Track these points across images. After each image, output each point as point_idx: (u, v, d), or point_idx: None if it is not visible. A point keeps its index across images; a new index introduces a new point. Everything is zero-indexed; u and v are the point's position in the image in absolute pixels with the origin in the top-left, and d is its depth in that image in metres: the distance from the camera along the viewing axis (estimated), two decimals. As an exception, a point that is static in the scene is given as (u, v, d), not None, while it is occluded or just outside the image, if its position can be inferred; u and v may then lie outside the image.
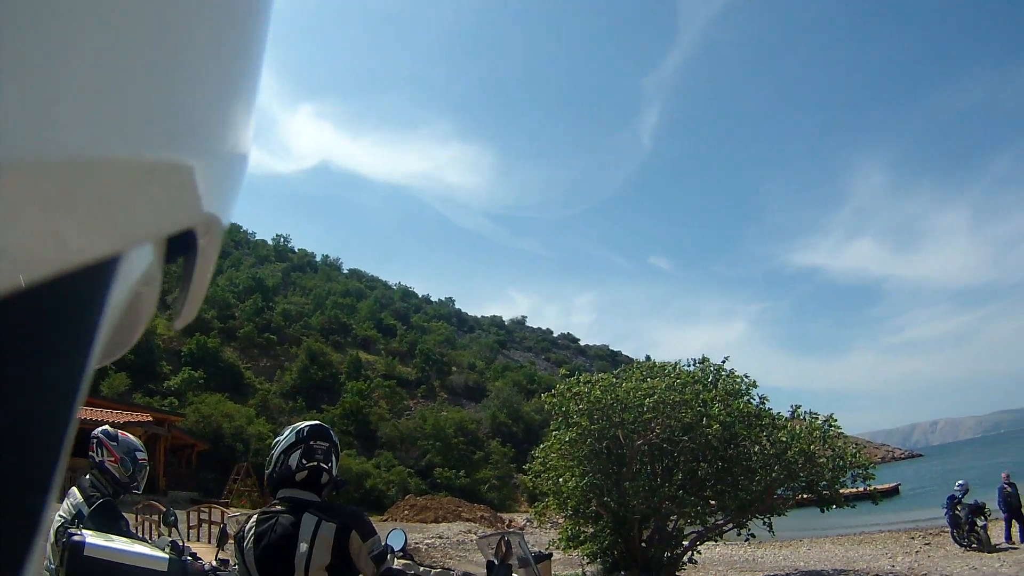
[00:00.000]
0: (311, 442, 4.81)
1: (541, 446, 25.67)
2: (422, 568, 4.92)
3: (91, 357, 0.60)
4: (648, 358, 50.33)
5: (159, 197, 0.57)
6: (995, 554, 24.28)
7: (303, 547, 4.65)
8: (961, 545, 26.56)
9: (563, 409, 23.33)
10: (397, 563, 4.82)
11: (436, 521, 44.85)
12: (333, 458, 4.91)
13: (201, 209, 0.67)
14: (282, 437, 4.89)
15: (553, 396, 24.19)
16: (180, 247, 0.74)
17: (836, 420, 24.16)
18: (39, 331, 0.53)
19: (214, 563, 6.77)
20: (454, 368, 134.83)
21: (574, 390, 23.44)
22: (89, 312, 0.59)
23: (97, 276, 0.58)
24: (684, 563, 23.40)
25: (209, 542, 27.80)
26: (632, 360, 47.62)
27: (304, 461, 4.79)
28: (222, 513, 28.98)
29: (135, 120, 0.51)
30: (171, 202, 0.60)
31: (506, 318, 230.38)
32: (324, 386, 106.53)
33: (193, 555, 6.51)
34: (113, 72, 0.47)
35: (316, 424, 5.02)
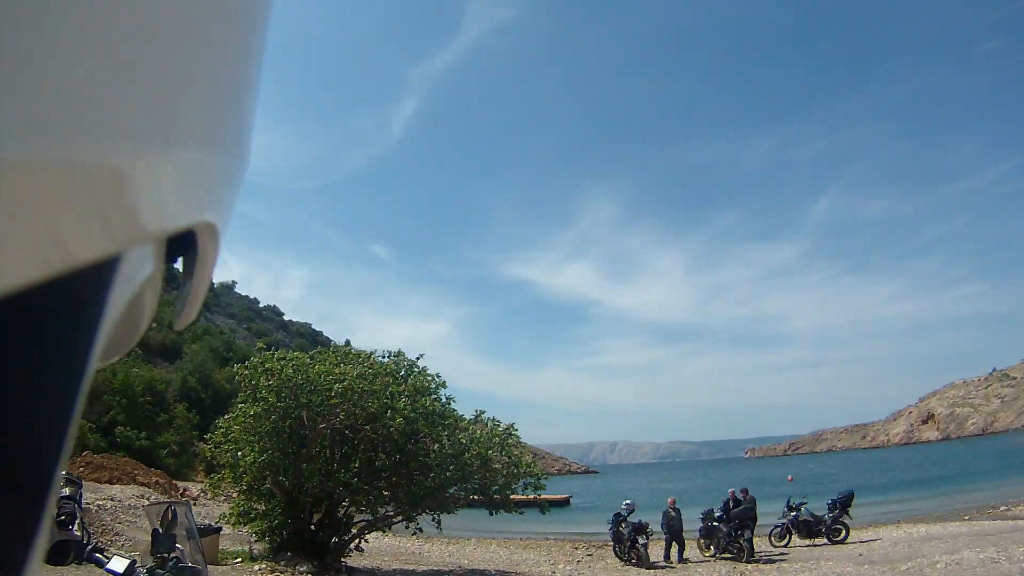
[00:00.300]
0: None
1: (226, 417, 25.14)
2: None
3: (91, 357, 0.60)
4: (348, 343, 50.13)
5: (159, 197, 0.58)
6: (652, 571, 25.65)
7: None
8: (621, 560, 27.83)
9: (253, 383, 22.88)
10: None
11: (111, 482, 43.09)
12: None
13: (201, 209, 0.69)
14: None
15: (246, 368, 23.68)
16: (180, 247, 0.76)
17: (516, 430, 24.91)
18: (39, 331, 0.53)
19: None
20: (152, 324, 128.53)
21: (267, 365, 23.01)
22: (89, 312, 0.59)
23: (97, 276, 0.58)
24: (351, 550, 23.48)
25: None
26: (331, 342, 47.23)
27: None
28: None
29: (135, 120, 0.51)
30: (171, 202, 0.61)
31: (215, 281, 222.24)
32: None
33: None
34: (113, 72, 0.47)
35: None
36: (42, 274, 0.45)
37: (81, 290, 0.56)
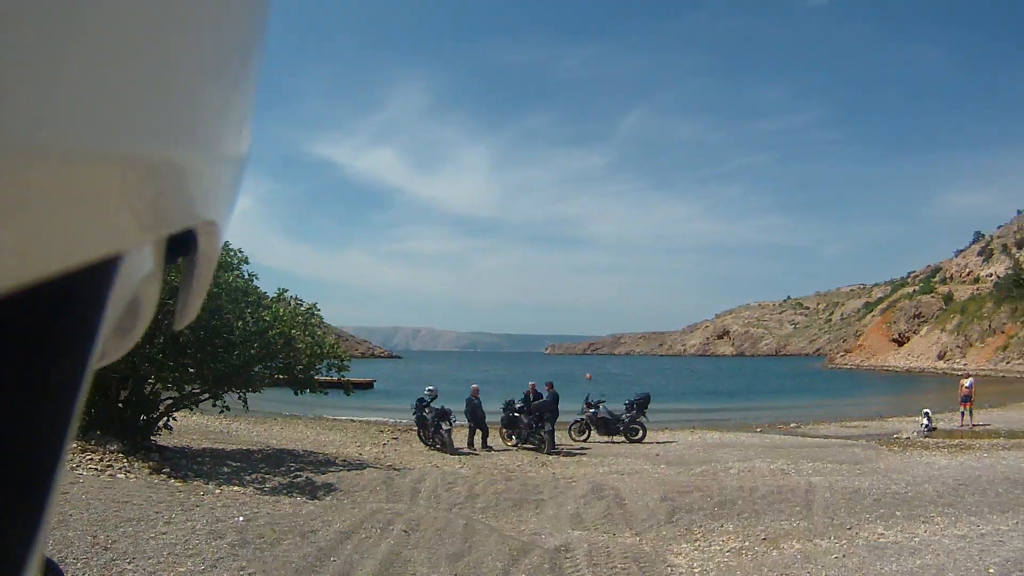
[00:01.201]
0: None
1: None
2: None
3: (91, 357, 0.60)
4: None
5: (159, 197, 0.57)
6: (456, 456, 25.77)
7: None
8: (426, 444, 28.12)
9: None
10: None
11: None
12: None
13: (201, 209, 0.67)
14: None
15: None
16: (180, 247, 0.76)
17: (320, 310, 24.86)
18: (39, 331, 0.53)
19: None
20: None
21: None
22: (89, 312, 0.59)
23: (97, 276, 0.59)
24: (160, 428, 22.97)
25: None
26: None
27: None
28: None
29: (135, 120, 0.50)
30: (171, 202, 0.60)
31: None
32: None
33: None
34: (113, 72, 0.46)
35: None
36: (42, 274, 0.44)
37: (81, 290, 0.57)
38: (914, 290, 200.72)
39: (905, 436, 33.22)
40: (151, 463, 18.61)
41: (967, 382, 38.22)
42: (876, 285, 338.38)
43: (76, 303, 0.55)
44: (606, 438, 30.92)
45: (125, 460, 18.19)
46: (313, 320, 24.21)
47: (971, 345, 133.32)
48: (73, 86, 0.42)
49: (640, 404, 31.44)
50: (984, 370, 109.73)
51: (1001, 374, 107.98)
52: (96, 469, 16.74)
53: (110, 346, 0.70)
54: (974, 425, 36.84)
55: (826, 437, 33.23)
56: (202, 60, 0.57)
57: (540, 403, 28.56)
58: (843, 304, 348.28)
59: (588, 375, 51.97)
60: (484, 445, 28.64)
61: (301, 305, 24.51)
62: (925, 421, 34.74)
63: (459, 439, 28.50)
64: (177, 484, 16.74)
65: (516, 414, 28.88)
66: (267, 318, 22.45)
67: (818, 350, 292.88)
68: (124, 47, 0.46)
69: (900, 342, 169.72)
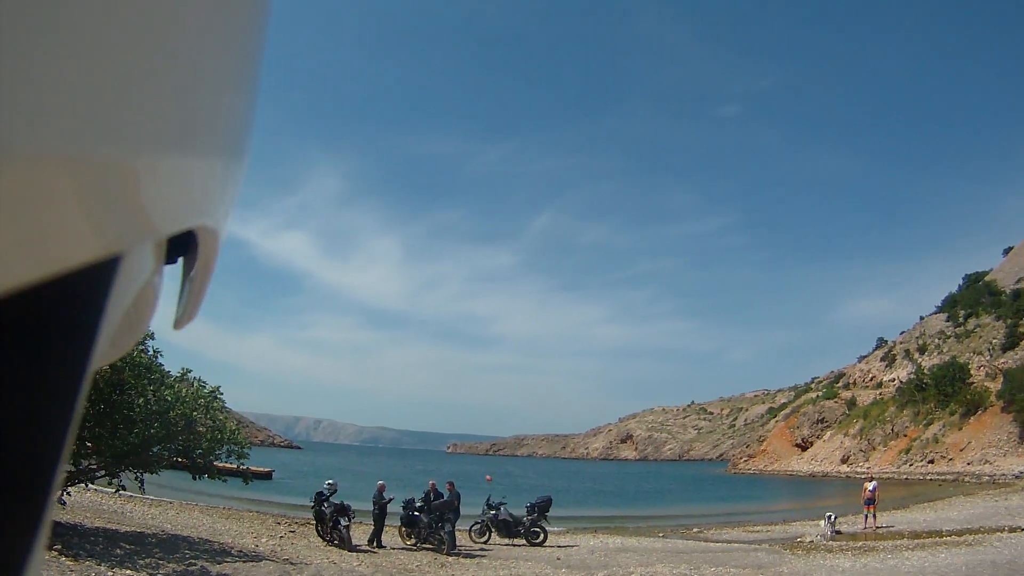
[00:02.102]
0: None
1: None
2: None
3: (91, 357, 0.60)
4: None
5: (159, 197, 0.57)
6: (355, 553, 25.29)
7: None
8: (324, 539, 27.61)
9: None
10: None
11: None
12: None
13: (201, 209, 0.69)
14: None
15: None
16: (180, 247, 0.77)
17: (222, 394, 24.16)
18: (39, 331, 0.53)
19: None
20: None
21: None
22: (89, 312, 0.59)
23: (97, 276, 0.59)
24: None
25: None
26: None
27: None
28: None
29: (135, 120, 0.50)
30: (171, 202, 0.61)
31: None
32: None
33: None
34: (113, 72, 0.47)
35: None
36: (42, 274, 0.45)
37: (81, 290, 0.57)
38: (817, 395, 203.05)
39: (809, 540, 33.34)
40: (42, 540, 18.05)
41: (870, 485, 38.88)
42: (780, 391, 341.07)
43: (76, 303, 0.55)
44: (507, 540, 30.61)
45: (11, 532, 17.55)
46: (215, 404, 23.58)
47: (874, 448, 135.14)
48: (73, 88, 0.42)
49: (541, 507, 31.15)
50: (887, 473, 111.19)
51: (904, 476, 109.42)
52: (-24, 539, 16.18)
53: (110, 346, 0.68)
54: (878, 527, 37.19)
55: (729, 542, 33.24)
56: (202, 62, 0.58)
57: (441, 503, 28.24)
58: (747, 409, 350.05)
59: (489, 477, 51.45)
60: (378, 542, 28.19)
61: (204, 387, 23.86)
62: (828, 524, 34.86)
63: (358, 536, 28.03)
64: (68, 563, 16.30)
65: (416, 513, 28.47)
66: (169, 398, 21.88)
67: (721, 455, 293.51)
68: (124, 49, 0.47)
69: (804, 447, 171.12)
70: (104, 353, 0.64)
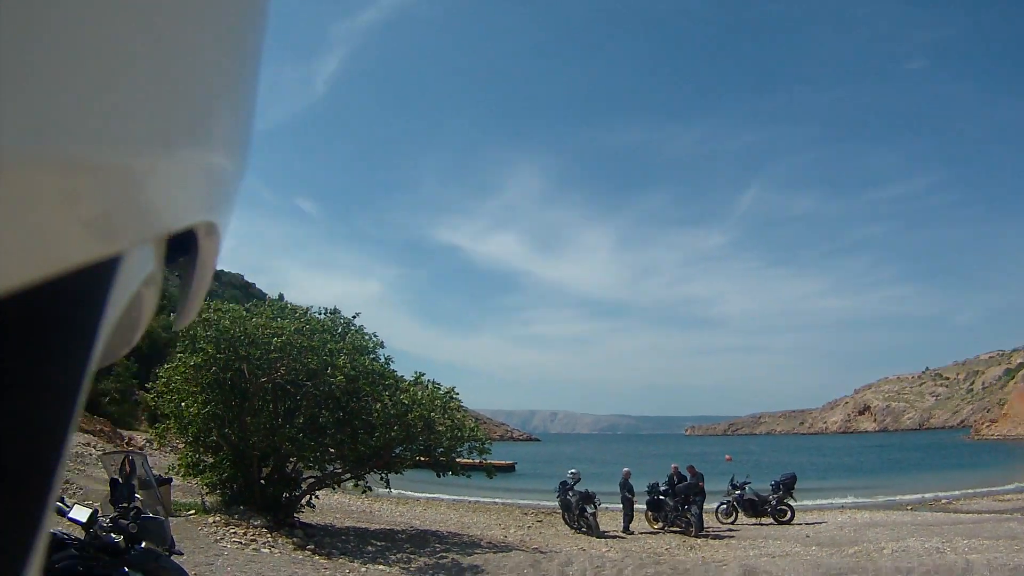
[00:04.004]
0: None
1: (166, 366, 24.30)
2: None
3: (91, 357, 0.60)
4: (282, 296, 49.66)
5: (159, 197, 0.58)
6: (603, 539, 25.17)
7: None
8: (571, 527, 27.59)
9: (191, 332, 21.94)
10: None
11: (55, 430, 42.69)
12: None
13: (201, 209, 0.69)
14: None
15: (183, 317, 22.69)
16: (180, 247, 0.75)
17: (457, 393, 24.53)
18: (39, 331, 0.54)
19: None
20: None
21: (203, 315, 22.07)
22: (89, 312, 0.59)
23: (97, 276, 0.58)
24: (303, 506, 23.17)
25: None
26: (265, 295, 46.70)
27: None
28: None
29: (135, 120, 0.51)
30: (171, 202, 0.61)
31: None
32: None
33: None
34: (113, 72, 0.47)
35: None
36: (42, 274, 0.45)
37: (81, 290, 0.57)
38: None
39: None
40: (295, 539, 18.78)
41: None
42: (1016, 350, 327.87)
43: (76, 303, 0.55)
44: (753, 520, 30.06)
45: (269, 535, 18.32)
46: (452, 403, 23.96)
47: None
48: (73, 88, 0.42)
49: (786, 485, 30.50)
50: None
51: None
52: (240, 543, 16.89)
53: (111, 346, 0.67)
54: None
55: (979, 513, 32.02)
56: (202, 62, 0.58)
57: (685, 485, 27.89)
58: (983, 372, 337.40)
59: (728, 457, 50.85)
60: (626, 528, 27.94)
61: (439, 388, 24.28)
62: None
63: (605, 522, 27.88)
64: (322, 561, 16.67)
65: (661, 496, 28.21)
66: (406, 401, 22.29)
67: (962, 421, 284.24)
68: (123, 49, 0.47)
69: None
70: (104, 353, 0.62)
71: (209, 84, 0.59)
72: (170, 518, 6.13)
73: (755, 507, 30.17)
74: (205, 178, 0.63)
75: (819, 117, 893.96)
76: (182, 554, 6.32)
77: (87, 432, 43.60)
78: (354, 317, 24.95)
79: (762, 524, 29.46)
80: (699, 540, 25.01)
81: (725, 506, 30.73)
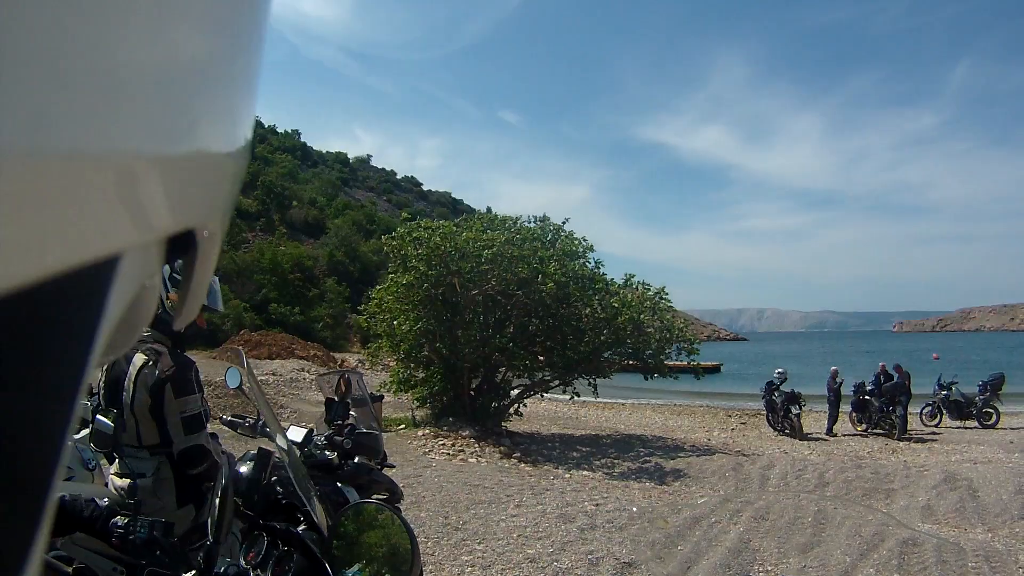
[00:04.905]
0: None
1: (377, 288, 25.49)
2: (224, 454, 4.85)
3: (91, 357, 0.59)
4: (489, 210, 49.89)
5: (159, 197, 0.57)
6: (806, 442, 25.22)
7: (128, 387, 4.87)
8: (775, 429, 27.71)
9: (402, 252, 23.13)
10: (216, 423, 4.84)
11: (270, 357, 44.15)
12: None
13: (201, 209, 0.69)
14: None
15: (393, 239, 24.02)
16: (180, 247, 0.74)
17: (667, 293, 24.76)
18: (39, 331, 0.52)
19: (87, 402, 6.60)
20: (295, 202, 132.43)
21: (414, 235, 23.22)
22: (89, 312, 0.59)
23: (97, 276, 0.58)
24: (510, 414, 23.89)
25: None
26: (473, 210, 47.58)
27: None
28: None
29: (135, 120, 0.50)
30: (171, 202, 0.60)
31: (351, 155, 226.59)
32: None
33: None
34: (113, 71, 0.46)
35: None
36: (42, 274, 0.44)
37: (81, 290, 0.56)
38: None
39: None
40: (502, 448, 19.55)
41: None
42: None
43: (76, 303, 0.56)
44: (958, 423, 29.37)
45: (476, 445, 19.17)
46: (662, 304, 24.30)
47: None
48: (72, 87, 0.42)
49: (993, 386, 29.50)
50: None
51: None
52: (448, 454, 17.82)
53: (110, 346, 0.67)
54: None
55: None
56: (201, 59, 0.60)
57: (892, 385, 27.47)
58: None
59: (935, 355, 49.28)
60: (829, 430, 27.86)
61: (649, 290, 24.63)
62: None
63: (809, 424, 27.94)
64: (527, 468, 17.36)
65: (867, 397, 27.83)
66: (615, 304, 22.76)
67: None
68: (123, 48, 0.47)
69: None
70: (104, 353, 0.65)
71: (209, 83, 0.62)
72: (382, 433, 6.67)
73: (960, 409, 29.46)
74: (205, 178, 0.66)
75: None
76: (393, 467, 6.52)
77: (301, 358, 45.41)
78: (563, 223, 25.27)
79: (966, 428, 28.78)
80: (901, 443, 24.84)
81: (930, 408, 30.03)
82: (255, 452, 4.59)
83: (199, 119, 0.60)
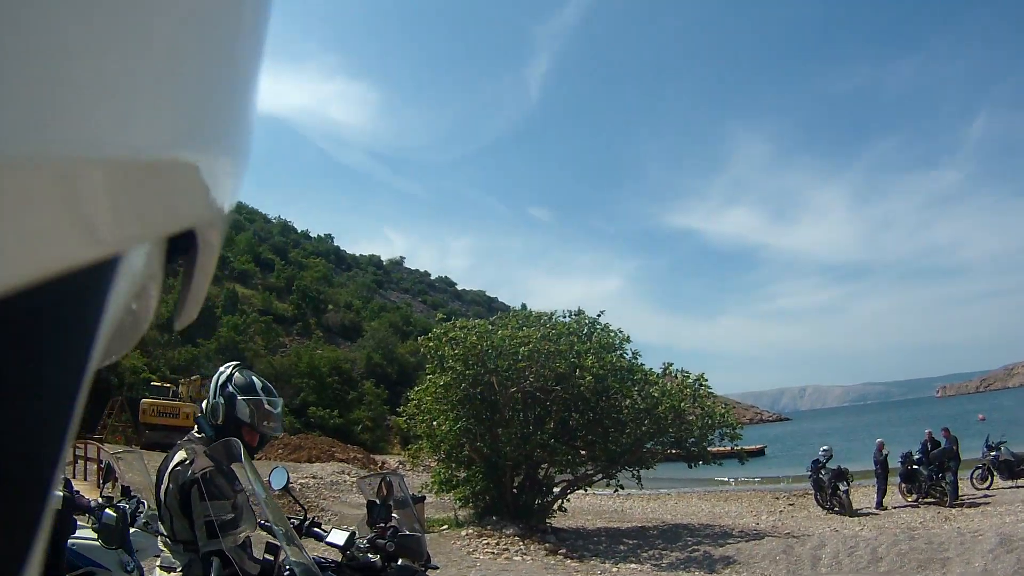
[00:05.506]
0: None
1: (416, 389, 25.48)
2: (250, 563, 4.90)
3: (91, 357, 0.60)
4: (524, 306, 50.37)
5: (159, 197, 0.58)
6: (856, 518, 24.88)
7: (164, 480, 4.87)
8: (824, 508, 27.30)
9: (439, 353, 23.18)
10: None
11: (310, 461, 44.46)
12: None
13: (201, 209, 0.68)
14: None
15: (429, 339, 24.00)
16: (180, 247, 0.77)
17: (707, 379, 24.55)
18: (39, 331, 0.53)
19: (99, 500, 6.73)
20: (331, 306, 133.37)
21: (450, 335, 23.29)
22: (89, 312, 0.59)
23: (97, 276, 0.58)
24: (554, 510, 23.70)
25: (86, 479, 27.28)
26: (508, 307, 47.85)
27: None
28: (98, 449, 27.45)
29: (135, 120, 0.50)
30: (171, 202, 0.61)
31: (384, 258, 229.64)
32: (199, 319, 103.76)
33: (76, 492, 6.51)
34: (113, 72, 0.47)
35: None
36: (42, 274, 0.45)
37: (81, 290, 0.57)
38: None
39: None
40: (547, 545, 19.36)
41: None
42: None
43: (76, 303, 0.57)
44: (1010, 483, 28.97)
45: (521, 543, 19.00)
46: (702, 391, 24.12)
47: None
48: (72, 88, 0.43)
49: (1046, 442, 28.83)
50: None
51: None
52: (492, 553, 17.66)
53: (111, 346, 0.70)
54: None
55: None
56: (201, 60, 0.61)
57: (940, 451, 27.28)
58: None
59: (981, 416, 48.87)
60: (878, 503, 27.53)
61: (688, 377, 24.48)
62: None
63: (858, 499, 27.63)
64: (574, 564, 17.23)
65: (915, 467, 27.60)
66: (655, 394, 22.73)
67: None
68: (123, 49, 0.48)
69: None
70: (105, 353, 0.66)
71: (209, 84, 0.62)
72: (425, 535, 6.70)
73: (1011, 468, 28.92)
74: (205, 178, 0.65)
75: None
76: (437, 567, 6.46)
77: (341, 461, 45.49)
78: (599, 315, 25.32)
79: (1019, 487, 28.42)
80: (954, 510, 24.53)
81: (980, 470, 29.63)
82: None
83: (199, 119, 0.63)
